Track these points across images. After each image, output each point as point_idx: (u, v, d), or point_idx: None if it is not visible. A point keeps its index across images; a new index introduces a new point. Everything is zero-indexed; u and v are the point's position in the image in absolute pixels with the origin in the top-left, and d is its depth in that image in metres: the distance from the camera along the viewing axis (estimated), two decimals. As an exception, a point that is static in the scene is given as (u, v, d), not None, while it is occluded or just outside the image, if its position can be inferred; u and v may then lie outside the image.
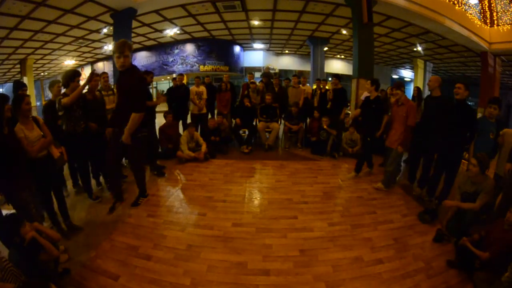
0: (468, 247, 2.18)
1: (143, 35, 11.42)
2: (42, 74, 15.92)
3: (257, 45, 14.46)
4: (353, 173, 4.30)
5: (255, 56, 15.47)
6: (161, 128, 5.06)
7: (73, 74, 3.15)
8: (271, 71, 14.51)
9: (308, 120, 6.25)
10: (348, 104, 7.90)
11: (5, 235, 2.03)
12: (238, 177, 4.23)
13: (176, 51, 13.58)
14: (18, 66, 12.33)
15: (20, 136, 2.36)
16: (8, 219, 1.96)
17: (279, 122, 5.89)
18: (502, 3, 9.95)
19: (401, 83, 3.74)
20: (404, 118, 3.52)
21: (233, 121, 6.04)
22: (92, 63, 15.02)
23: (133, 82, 2.76)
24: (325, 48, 13.30)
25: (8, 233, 1.90)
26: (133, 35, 9.19)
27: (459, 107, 3.20)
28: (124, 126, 2.79)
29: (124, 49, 2.68)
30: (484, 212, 2.73)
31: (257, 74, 12.28)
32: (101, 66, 14.74)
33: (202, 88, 5.67)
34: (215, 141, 5.34)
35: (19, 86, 3.18)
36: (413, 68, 15.93)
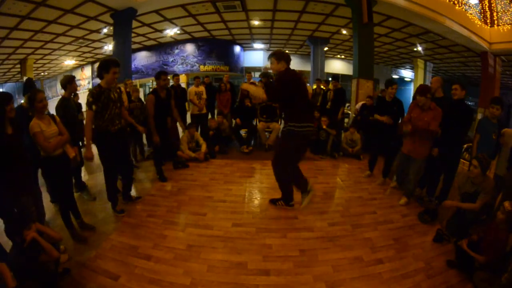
0: (465, 250, 2.19)
1: (143, 35, 11.42)
2: (42, 74, 15.91)
3: (257, 45, 14.45)
4: (381, 179, 4.11)
5: (255, 56, 15.46)
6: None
7: (112, 63, 2.77)
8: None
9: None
10: (348, 104, 7.91)
11: (11, 232, 2.02)
12: (238, 177, 4.23)
13: (176, 51, 13.58)
14: (18, 66, 12.33)
15: (36, 131, 2.28)
16: (15, 219, 1.95)
17: (279, 122, 5.90)
18: (502, 3, 9.94)
19: (428, 88, 3.24)
20: (428, 124, 3.14)
21: (233, 121, 6.04)
22: (92, 63, 15.03)
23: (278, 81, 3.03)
24: (325, 48, 13.30)
25: (13, 231, 1.89)
26: (133, 35, 9.18)
27: (457, 107, 3.20)
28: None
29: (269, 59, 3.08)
30: (484, 212, 2.73)
31: (258, 74, 12.29)
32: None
33: (202, 88, 5.66)
34: (214, 136, 5.36)
35: (31, 86, 3.05)
36: (413, 68, 15.93)
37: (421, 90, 3.18)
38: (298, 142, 2.88)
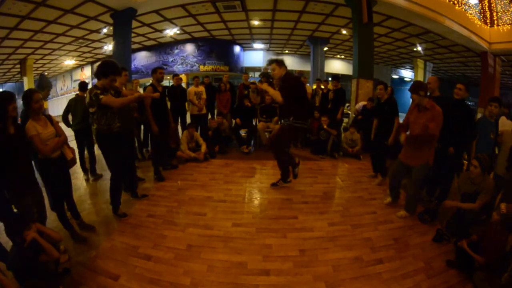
0: (466, 250, 2.19)
1: (143, 35, 11.42)
2: (42, 74, 15.93)
3: (257, 45, 14.47)
4: (380, 178, 4.08)
5: (255, 56, 15.47)
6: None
7: (112, 71, 2.67)
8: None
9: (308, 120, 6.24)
10: (348, 104, 7.91)
11: (11, 232, 2.02)
12: (238, 177, 4.23)
13: (176, 51, 13.59)
14: (18, 66, 12.33)
15: (32, 133, 2.21)
16: (15, 219, 1.95)
17: (279, 122, 5.90)
18: (502, 3, 9.95)
19: (421, 84, 2.89)
20: (426, 127, 2.73)
21: (233, 121, 6.04)
22: (92, 63, 15.03)
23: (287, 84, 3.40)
24: (325, 48, 13.31)
25: (13, 231, 1.89)
26: (133, 35, 9.18)
27: (457, 107, 3.19)
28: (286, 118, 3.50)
29: (271, 65, 3.46)
30: (484, 212, 2.72)
31: (257, 74, 12.31)
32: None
33: (201, 88, 5.66)
34: (214, 136, 5.38)
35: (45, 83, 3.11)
36: (413, 68, 15.93)
37: (413, 88, 2.84)
38: (293, 134, 3.61)
